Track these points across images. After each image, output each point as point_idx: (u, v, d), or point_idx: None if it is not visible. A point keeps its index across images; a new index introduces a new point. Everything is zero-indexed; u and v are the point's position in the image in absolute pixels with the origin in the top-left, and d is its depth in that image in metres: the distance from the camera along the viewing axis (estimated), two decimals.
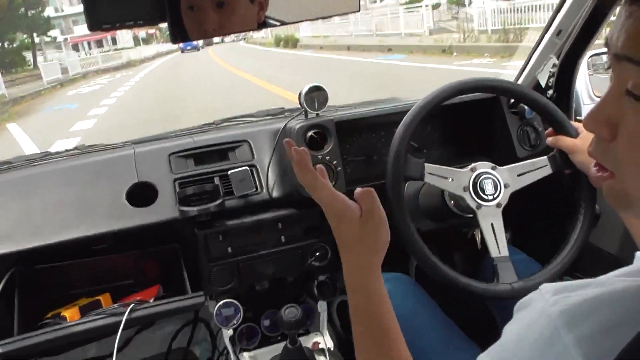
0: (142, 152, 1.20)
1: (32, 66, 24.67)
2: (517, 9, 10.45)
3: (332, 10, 0.61)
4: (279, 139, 1.19)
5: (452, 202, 1.06)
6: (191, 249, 1.13)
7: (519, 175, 1.03)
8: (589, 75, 1.33)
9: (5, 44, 25.36)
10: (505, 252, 0.98)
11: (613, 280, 0.42)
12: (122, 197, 1.11)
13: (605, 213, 1.14)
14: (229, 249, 1.11)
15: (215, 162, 1.20)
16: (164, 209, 1.11)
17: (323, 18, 0.63)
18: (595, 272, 0.45)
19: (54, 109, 11.82)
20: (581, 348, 0.39)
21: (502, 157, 1.17)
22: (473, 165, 1.02)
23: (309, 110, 1.14)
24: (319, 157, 1.11)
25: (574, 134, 1.01)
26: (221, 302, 1.13)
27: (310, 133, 1.12)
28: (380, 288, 0.67)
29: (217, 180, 1.14)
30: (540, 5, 9.83)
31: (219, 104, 7.60)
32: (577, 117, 1.29)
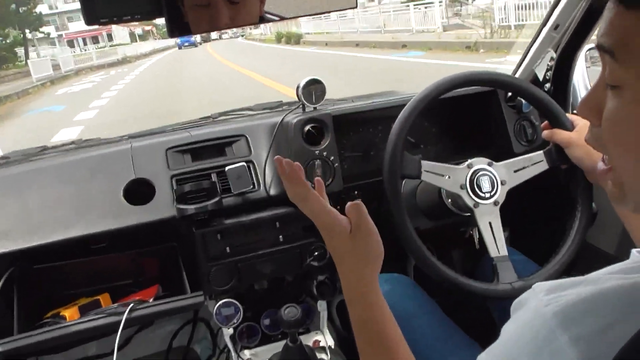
0: (139, 147, 1.19)
1: (24, 63, 24.28)
2: (540, 4, 9.64)
3: (329, 6, 0.61)
4: (276, 134, 1.18)
5: (450, 200, 1.06)
6: (189, 248, 1.12)
7: (515, 171, 1.02)
8: (587, 68, 1.33)
9: None
10: (504, 251, 0.98)
11: (605, 278, 0.42)
12: (119, 194, 1.10)
13: (602, 211, 1.14)
14: (228, 249, 1.10)
15: (212, 157, 1.19)
16: (162, 207, 1.10)
17: (321, 14, 0.63)
18: (593, 271, 0.44)
19: (38, 111, 10.85)
20: (577, 348, 0.39)
21: (499, 152, 1.17)
22: (470, 161, 1.02)
23: (306, 103, 1.14)
24: (316, 152, 1.11)
25: (570, 127, 1.01)
26: (221, 302, 1.13)
27: (307, 127, 1.12)
28: (377, 298, 0.68)
29: (214, 177, 1.14)
30: None
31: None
32: (574, 111, 1.29)
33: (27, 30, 27.05)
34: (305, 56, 15.03)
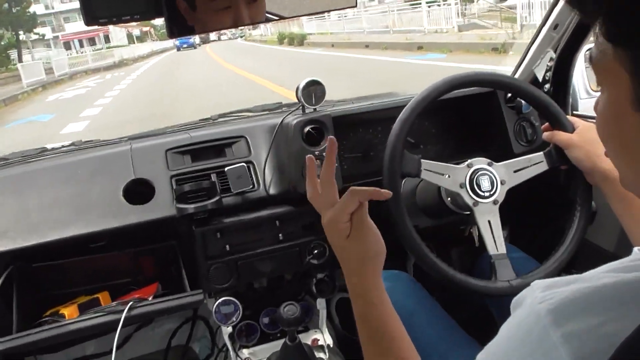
0: (139, 148, 1.19)
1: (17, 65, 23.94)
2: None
3: (329, 5, 0.61)
4: (276, 135, 1.18)
5: (449, 199, 1.06)
6: (189, 246, 1.12)
7: (515, 171, 1.02)
8: (586, 68, 1.33)
9: None
10: (502, 249, 0.98)
11: (601, 275, 0.42)
12: (119, 194, 1.11)
13: (601, 210, 1.14)
14: (227, 247, 1.11)
15: (212, 158, 1.19)
16: (161, 206, 1.10)
17: (321, 13, 0.63)
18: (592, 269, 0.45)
19: (23, 121, 9.91)
20: (569, 345, 0.39)
21: (499, 152, 1.17)
22: (469, 161, 1.02)
23: (306, 105, 1.14)
24: (316, 152, 1.11)
25: (570, 129, 1.01)
26: (220, 300, 1.13)
27: (307, 128, 1.12)
28: (380, 295, 0.70)
29: (214, 177, 1.14)
30: None
31: None
32: (574, 112, 1.29)
33: (20, 32, 26.25)
34: (314, 59, 14.01)
